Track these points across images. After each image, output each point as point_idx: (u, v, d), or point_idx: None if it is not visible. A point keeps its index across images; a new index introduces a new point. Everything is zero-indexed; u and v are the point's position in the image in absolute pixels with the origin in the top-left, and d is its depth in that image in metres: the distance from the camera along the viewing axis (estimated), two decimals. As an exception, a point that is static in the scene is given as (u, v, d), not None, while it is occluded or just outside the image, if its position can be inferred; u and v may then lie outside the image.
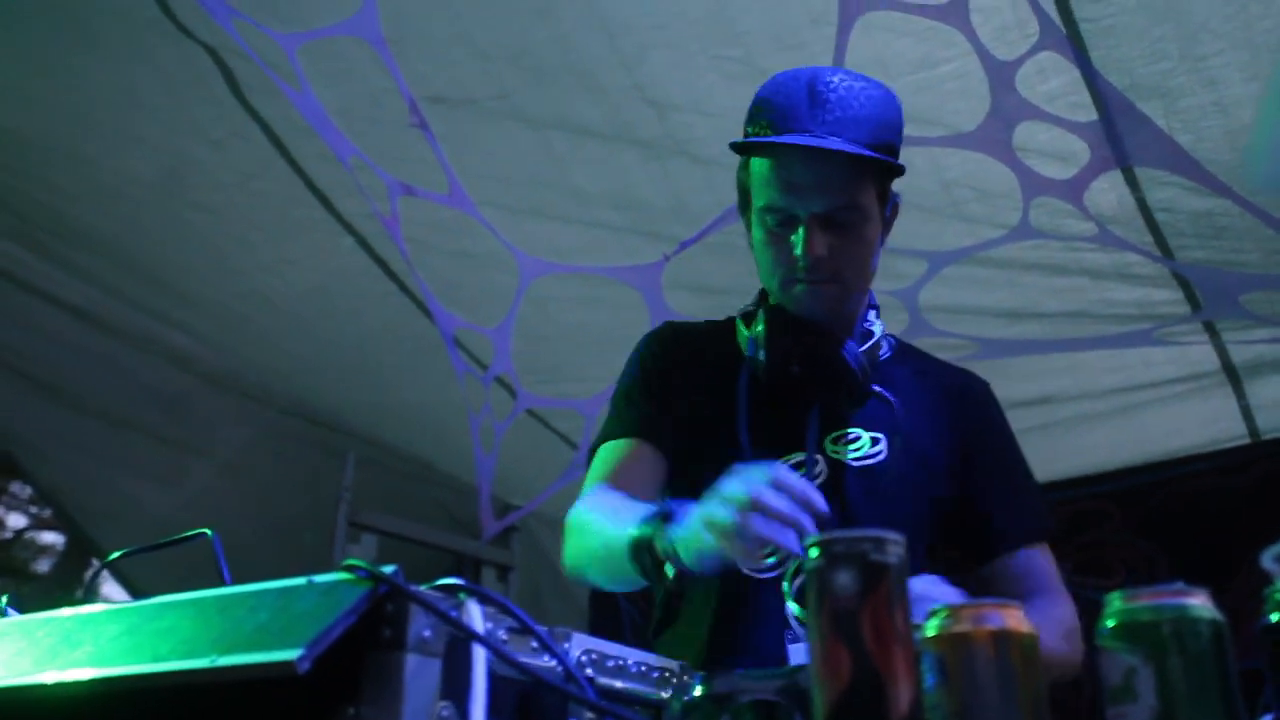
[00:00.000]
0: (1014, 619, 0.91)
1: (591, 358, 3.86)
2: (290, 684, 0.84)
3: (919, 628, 0.95)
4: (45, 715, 1.00)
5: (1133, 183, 3.04)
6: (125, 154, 3.50)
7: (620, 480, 1.73)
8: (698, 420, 1.78)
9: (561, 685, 0.98)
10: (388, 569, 0.90)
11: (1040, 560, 1.80)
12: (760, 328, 1.72)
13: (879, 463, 1.73)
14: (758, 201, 1.72)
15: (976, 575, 1.76)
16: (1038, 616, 1.47)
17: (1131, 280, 3.42)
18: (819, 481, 1.69)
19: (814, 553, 0.92)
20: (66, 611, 1.07)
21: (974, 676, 0.90)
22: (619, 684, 1.08)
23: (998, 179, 3.09)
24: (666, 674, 1.13)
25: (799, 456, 1.71)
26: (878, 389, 1.71)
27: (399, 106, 3.16)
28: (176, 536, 1.35)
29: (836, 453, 1.73)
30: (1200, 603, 0.88)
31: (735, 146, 1.71)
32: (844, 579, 0.90)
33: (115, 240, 3.87)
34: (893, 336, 1.88)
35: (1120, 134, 2.89)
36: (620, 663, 1.09)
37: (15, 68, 3.29)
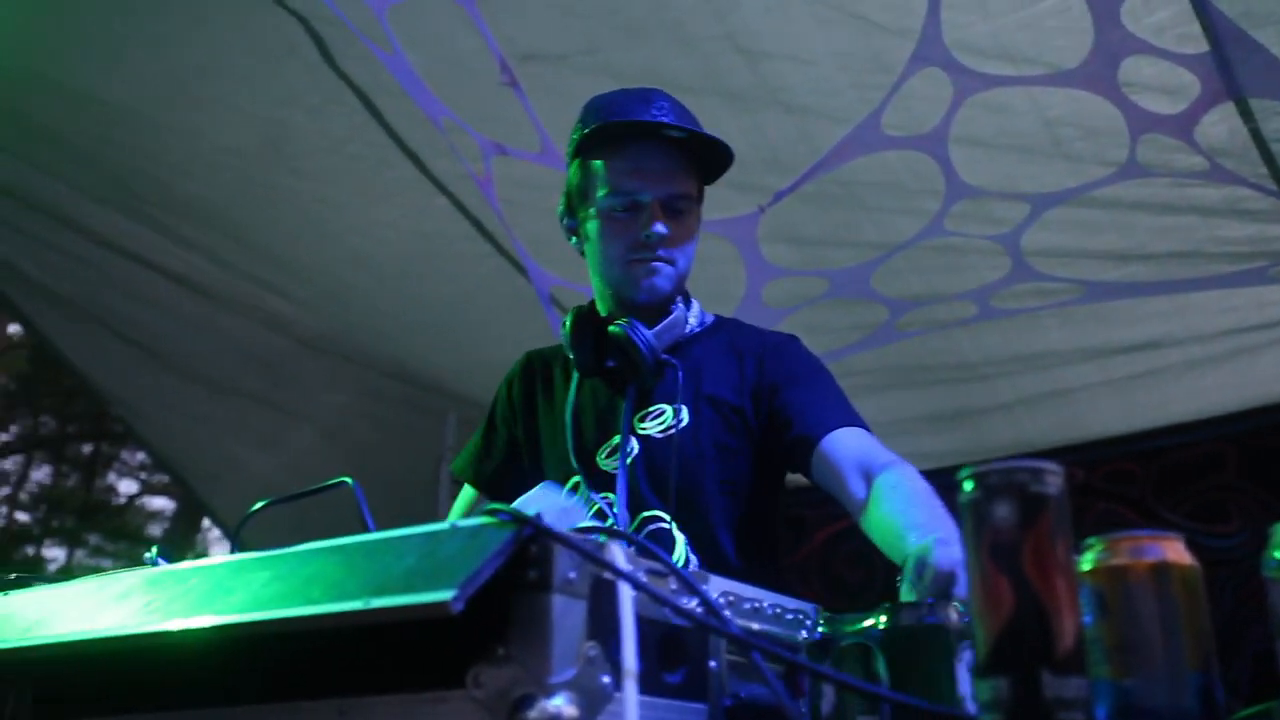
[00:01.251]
0: (1174, 551, 0.90)
1: (687, 312, 3.87)
2: (440, 626, 0.86)
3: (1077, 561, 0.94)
4: (202, 658, 1.04)
5: (1246, 114, 2.95)
6: (226, 125, 3.59)
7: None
8: (545, 436, 1.98)
9: (708, 622, 0.99)
10: (533, 511, 0.92)
11: (857, 436, 1.81)
12: (566, 329, 1.93)
13: (681, 429, 1.86)
14: (600, 192, 1.90)
15: (817, 486, 1.81)
16: (895, 489, 1.61)
17: (1245, 216, 3.32)
18: (630, 459, 1.85)
19: (969, 485, 0.91)
20: (217, 559, 1.11)
21: (1134, 610, 0.88)
22: (755, 625, 1.10)
23: (1103, 116, 3.02)
24: (800, 616, 1.14)
25: (616, 441, 1.88)
26: (665, 357, 1.87)
27: (490, 66, 3.18)
28: (318, 485, 1.39)
29: (644, 429, 1.89)
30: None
31: (585, 138, 1.92)
32: (1003, 510, 0.88)
33: (218, 209, 3.97)
34: (711, 315, 2.05)
35: (1232, 64, 2.80)
36: (756, 605, 1.10)
37: (123, 44, 3.39)
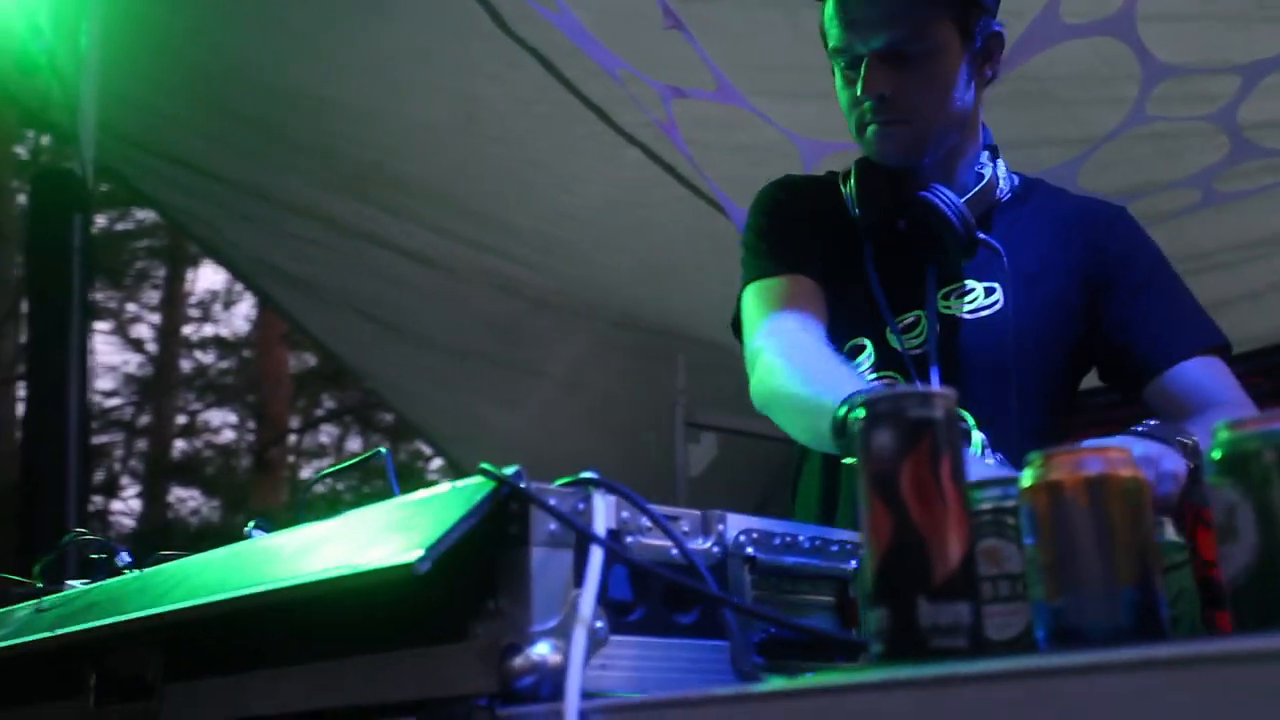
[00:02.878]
0: (1115, 462, 0.84)
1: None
2: (441, 583, 0.93)
3: (1011, 480, 0.91)
4: (255, 624, 1.18)
5: None
6: (423, 103, 3.80)
7: (796, 308, 1.69)
8: (827, 272, 1.74)
9: (673, 576, 1.01)
10: (510, 470, 0.96)
11: (1201, 371, 1.63)
12: (852, 184, 1.71)
13: (994, 313, 1.67)
14: (829, 45, 1.68)
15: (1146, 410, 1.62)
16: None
17: None
18: (924, 341, 1.66)
19: (858, 413, 0.90)
20: (278, 536, 1.25)
21: (1066, 527, 0.83)
22: (789, 560, 1.10)
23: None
24: (848, 545, 1.14)
25: (914, 315, 1.69)
26: (983, 236, 1.64)
27: (653, 11, 3.21)
28: (359, 456, 1.50)
29: (949, 308, 1.69)
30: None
31: None
32: (882, 438, 0.87)
33: (432, 184, 4.19)
34: (1017, 175, 1.80)
35: None
36: (790, 539, 1.10)
37: (325, 43, 3.65)
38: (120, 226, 12.20)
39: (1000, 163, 1.76)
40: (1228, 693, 0.59)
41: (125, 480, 12.77)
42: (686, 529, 1.07)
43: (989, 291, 1.69)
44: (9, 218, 11.55)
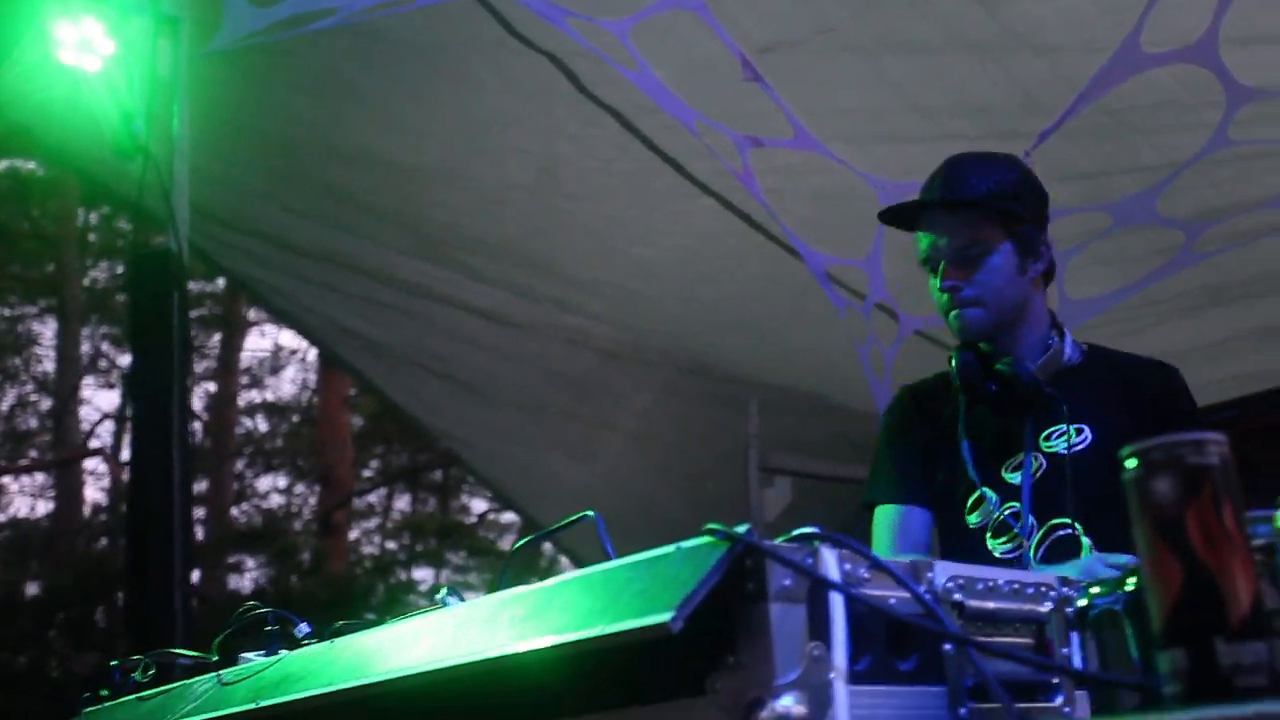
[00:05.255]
0: None
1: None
2: (678, 640, 0.94)
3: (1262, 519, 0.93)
4: (479, 689, 1.20)
5: None
6: (503, 164, 3.89)
7: (909, 543, 2.12)
8: (940, 463, 2.12)
9: (914, 619, 1.03)
10: (741, 528, 0.99)
11: None
12: (951, 363, 2.09)
13: (1086, 448, 2.03)
14: (920, 257, 2.10)
15: None
16: None
17: None
18: (1039, 474, 2.02)
19: (1132, 463, 0.92)
20: (484, 600, 1.26)
21: None
22: (991, 604, 1.12)
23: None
24: (1043, 588, 1.15)
25: (1020, 457, 2.05)
26: (1051, 391, 2.00)
27: (732, 65, 3.27)
28: (565, 521, 1.50)
29: (1049, 447, 2.04)
30: None
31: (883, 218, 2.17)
32: (1163, 485, 0.89)
33: (509, 242, 4.26)
34: (1083, 345, 2.16)
35: None
36: (991, 584, 1.12)
37: (405, 112, 3.73)
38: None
39: (1068, 336, 2.14)
40: None
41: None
42: (906, 573, 1.07)
43: (1078, 430, 2.04)
44: (73, 297, 11.76)
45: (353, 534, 14.53)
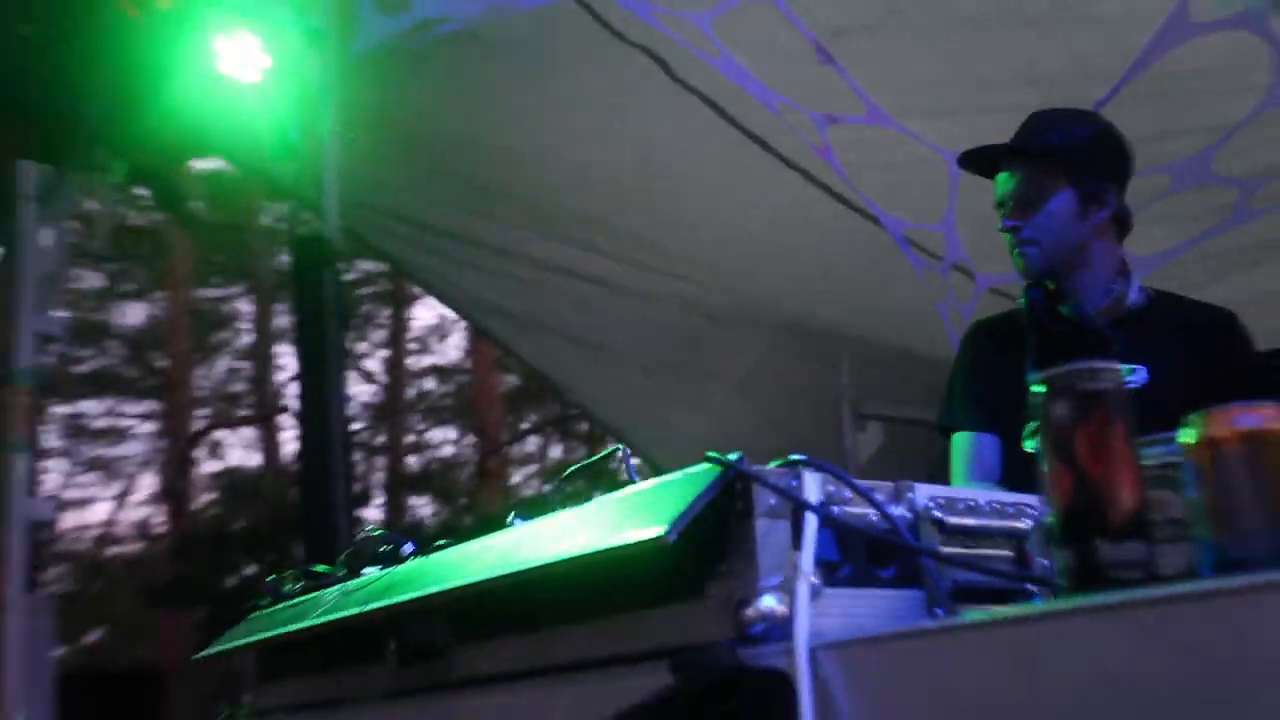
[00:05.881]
0: (1271, 418, 0.84)
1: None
2: (682, 552, 0.99)
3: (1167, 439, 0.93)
4: (525, 597, 1.27)
5: None
6: (606, 149, 3.90)
7: (978, 473, 2.07)
8: (1007, 393, 1.98)
9: (882, 534, 1.06)
10: (733, 456, 1.03)
11: None
12: (1021, 300, 1.98)
13: (1141, 385, 1.83)
14: (996, 199, 2.08)
15: None
16: None
17: None
18: None
19: (1039, 389, 0.95)
20: (539, 520, 1.32)
21: (1225, 479, 0.84)
22: (971, 521, 1.11)
23: None
24: (1024, 507, 1.14)
25: None
26: (1106, 331, 1.83)
27: (805, 49, 3.23)
28: (600, 454, 1.55)
29: None
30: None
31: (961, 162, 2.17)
32: (1060, 407, 0.93)
33: (618, 220, 4.29)
34: (1150, 291, 2.11)
35: None
36: (972, 504, 1.11)
37: (525, 108, 3.77)
38: (348, 276, 12.84)
39: (1134, 278, 2.08)
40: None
41: (374, 492, 13.42)
42: (881, 498, 1.10)
43: (1132, 370, 1.87)
44: (263, 279, 12.28)
45: (515, 478, 14.86)
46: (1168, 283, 3.50)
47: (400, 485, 13.03)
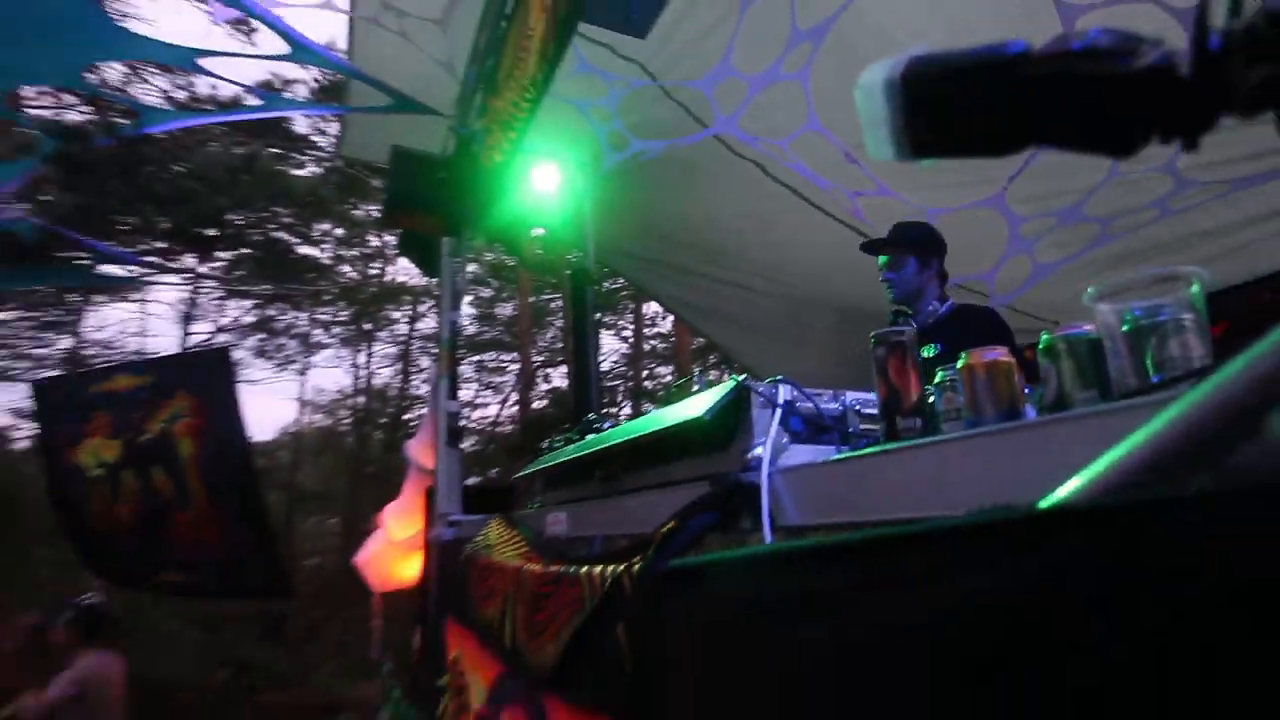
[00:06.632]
0: (1000, 353, 0.89)
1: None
2: (716, 427, 1.05)
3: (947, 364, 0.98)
4: (646, 448, 1.31)
5: None
6: (738, 217, 4.16)
7: None
8: None
9: (811, 415, 1.08)
10: (741, 377, 1.09)
11: None
12: (889, 316, 2.25)
13: (935, 355, 2.12)
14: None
15: None
16: None
17: None
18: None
19: (873, 342, 0.99)
20: (655, 413, 1.36)
21: (973, 386, 0.89)
22: (870, 410, 1.12)
23: None
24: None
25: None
26: (920, 330, 2.10)
27: (840, 154, 3.44)
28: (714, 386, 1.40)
29: (924, 354, 2.03)
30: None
31: (863, 248, 2.38)
32: (881, 349, 1.00)
33: (746, 253, 4.47)
34: (956, 304, 2.28)
35: None
36: (870, 400, 1.12)
37: (691, 196, 4.01)
38: (611, 286, 13.62)
39: (949, 302, 2.28)
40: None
41: (624, 406, 14.17)
42: (828, 398, 1.13)
43: (935, 347, 2.13)
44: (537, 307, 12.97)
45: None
46: (1060, 281, 3.48)
47: (639, 397, 13.87)
